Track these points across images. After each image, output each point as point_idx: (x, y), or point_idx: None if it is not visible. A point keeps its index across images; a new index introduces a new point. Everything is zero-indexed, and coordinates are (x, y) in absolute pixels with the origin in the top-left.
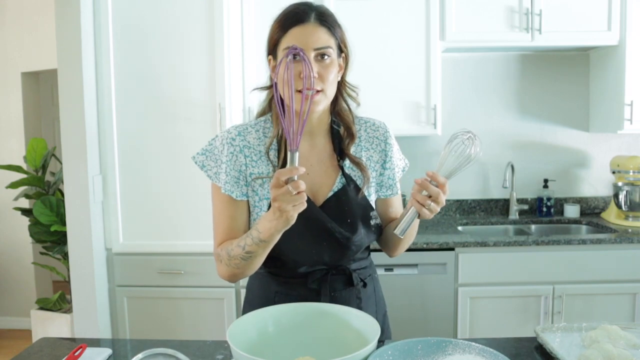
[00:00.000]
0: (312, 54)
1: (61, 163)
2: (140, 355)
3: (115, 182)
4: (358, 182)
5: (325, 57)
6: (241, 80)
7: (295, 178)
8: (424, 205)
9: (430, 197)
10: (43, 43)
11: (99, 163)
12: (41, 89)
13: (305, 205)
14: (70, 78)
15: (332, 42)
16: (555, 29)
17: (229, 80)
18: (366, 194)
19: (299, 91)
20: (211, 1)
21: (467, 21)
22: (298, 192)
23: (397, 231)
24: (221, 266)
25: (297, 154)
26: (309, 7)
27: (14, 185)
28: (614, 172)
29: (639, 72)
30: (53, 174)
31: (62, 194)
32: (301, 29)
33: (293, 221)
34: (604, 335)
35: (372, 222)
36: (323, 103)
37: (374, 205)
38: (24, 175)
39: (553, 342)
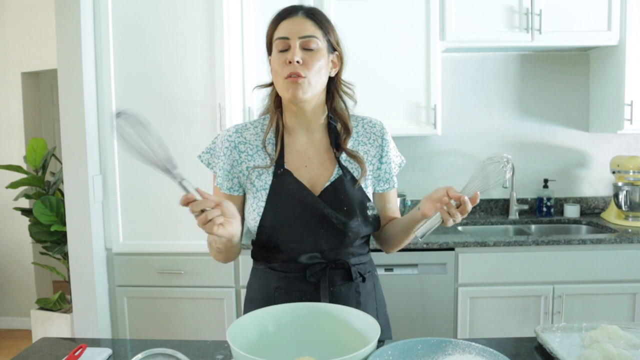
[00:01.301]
0: (298, 42)
1: (61, 163)
2: (140, 355)
3: (115, 182)
4: (355, 174)
5: (312, 45)
6: (241, 80)
7: (199, 198)
8: (450, 215)
9: (457, 207)
10: (43, 43)
11: (99, 163)
12: (41, 89)
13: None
14: (70, 78)
15: (319, 34)
16: (555, 29)
17: (229, 80)
18: (363, 185)
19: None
20: (211, 1)
21: (467, 21)
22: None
23: (418, 233)
24: (212, 251)
25: (185, 182)
26: (300, 6)
27: (14, 185)
28: (614, 172)
29: (639, 72)
30: (53, 174)
31: (62, 194)
32: (289, 20)
33: (213, 233)
34: (604, 335)
35: (369, 213)
36: (306, 89)
37: (371, 198)
38: (24, 175)
39: (553, 342)
